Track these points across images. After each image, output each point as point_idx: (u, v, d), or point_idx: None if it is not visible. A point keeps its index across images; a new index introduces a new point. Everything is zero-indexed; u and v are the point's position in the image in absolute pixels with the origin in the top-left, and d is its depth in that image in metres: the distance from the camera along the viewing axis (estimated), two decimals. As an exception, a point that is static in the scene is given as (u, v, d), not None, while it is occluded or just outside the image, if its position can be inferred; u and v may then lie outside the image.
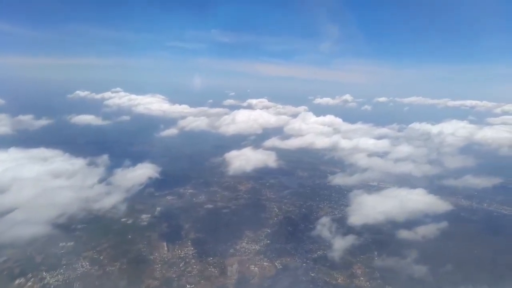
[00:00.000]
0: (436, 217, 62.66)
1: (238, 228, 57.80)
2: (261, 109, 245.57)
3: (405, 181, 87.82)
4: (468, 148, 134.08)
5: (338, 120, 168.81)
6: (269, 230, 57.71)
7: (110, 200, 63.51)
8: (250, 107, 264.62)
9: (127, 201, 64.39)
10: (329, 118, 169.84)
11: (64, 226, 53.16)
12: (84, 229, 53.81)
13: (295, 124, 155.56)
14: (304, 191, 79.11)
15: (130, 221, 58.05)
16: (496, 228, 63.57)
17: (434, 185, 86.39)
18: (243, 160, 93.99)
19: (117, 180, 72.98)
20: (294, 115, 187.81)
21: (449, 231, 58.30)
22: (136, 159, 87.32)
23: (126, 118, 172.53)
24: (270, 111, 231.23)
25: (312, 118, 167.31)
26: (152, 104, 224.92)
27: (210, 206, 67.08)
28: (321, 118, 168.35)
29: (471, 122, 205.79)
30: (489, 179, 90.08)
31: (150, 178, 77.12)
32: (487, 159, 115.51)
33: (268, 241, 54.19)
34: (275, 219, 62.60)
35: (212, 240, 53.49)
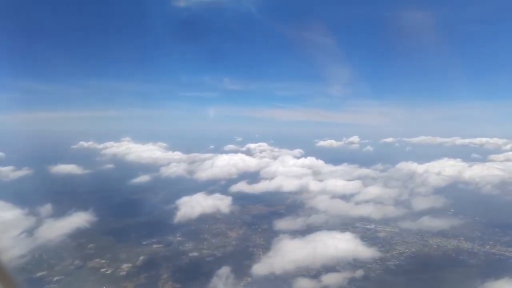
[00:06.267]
0: (354, 264, 57.60)
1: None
2: (259, 153, 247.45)
3: (354, 224, 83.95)
4: (451, 187, 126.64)
5: (319, 162, 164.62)
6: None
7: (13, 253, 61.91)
8: (249, 151, 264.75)
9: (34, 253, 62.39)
10: (310, 160, 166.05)
11: None
12: None
13: (272, 168, 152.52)
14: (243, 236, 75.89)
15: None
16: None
17: (383, 228, 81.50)
18: (189, 207, 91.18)
19: (43, 231, 71.49)
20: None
21: (359, 280, 53.03)
22: (83, 207, 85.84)
23: (110, 166, 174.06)
24: (264, 155, 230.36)
25: (291, 160, 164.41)
26: (146, 152, 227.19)
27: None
28: (301, 161, 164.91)
29: (473, 159, 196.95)
30: (450, 220, 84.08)
31: (78, 228, 75.13)
32: (463, 199, 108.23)
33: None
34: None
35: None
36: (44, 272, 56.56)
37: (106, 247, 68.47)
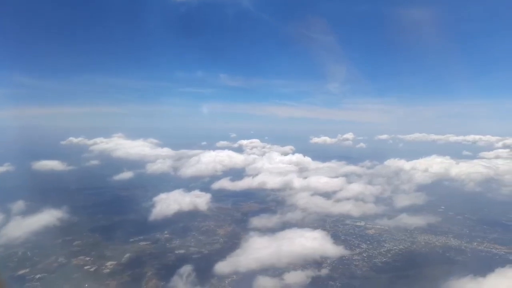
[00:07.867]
0: (320, 263, 56.26)
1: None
2: (250, 149, 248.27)
3: (331, 220, 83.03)
4: (435, 184, 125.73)
5: (306, 159, 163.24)
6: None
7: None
8: (240, 148, 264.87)
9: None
10: (297, 157, 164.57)
11: None
12: None
13: (258, 164, 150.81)
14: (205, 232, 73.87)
15: None
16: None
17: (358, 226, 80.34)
18: (165, 204, 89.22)
19: (10, 228, 69.65)
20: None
21: (322, 278, 51.69)
22: (57, 205, 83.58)
23: (95, 163, 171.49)
24: (254, 151, 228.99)
25: (278, 157, 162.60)
26: (134, 148, 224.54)
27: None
28: (288, 157, 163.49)
29: (464, 157, 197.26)
30: (426, 218, 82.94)
31: (46, 226, 73.08)
32: (446, 196, 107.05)
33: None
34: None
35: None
36: (27, 270, 54.79)
37: (92, 244, 66.51)
